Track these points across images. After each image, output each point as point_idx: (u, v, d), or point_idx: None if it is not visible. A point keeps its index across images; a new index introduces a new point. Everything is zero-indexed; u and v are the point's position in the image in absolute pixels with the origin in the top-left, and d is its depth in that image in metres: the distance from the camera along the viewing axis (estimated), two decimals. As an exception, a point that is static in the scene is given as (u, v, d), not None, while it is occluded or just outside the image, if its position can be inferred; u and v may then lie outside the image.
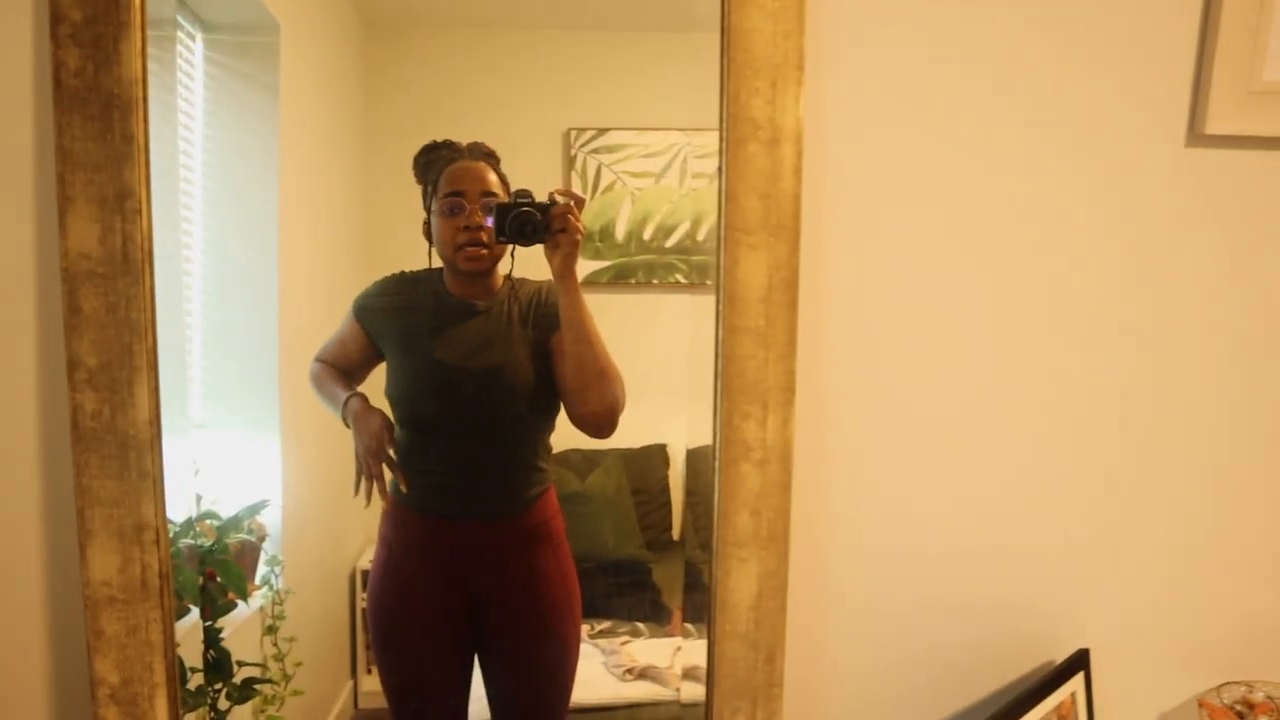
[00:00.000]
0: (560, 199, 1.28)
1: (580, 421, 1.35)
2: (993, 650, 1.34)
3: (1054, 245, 1.28)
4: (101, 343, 1.12)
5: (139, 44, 1.10)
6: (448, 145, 1.34)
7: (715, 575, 1.22)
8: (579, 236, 1.28)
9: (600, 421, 1.35)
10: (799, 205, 1.18)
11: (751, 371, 1.19)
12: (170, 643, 1.17)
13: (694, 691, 1.36)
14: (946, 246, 1.26)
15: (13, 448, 1.19)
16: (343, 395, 1.38)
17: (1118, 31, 1.24)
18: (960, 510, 1.31)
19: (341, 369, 1.40)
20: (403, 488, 1.37)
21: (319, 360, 1.41)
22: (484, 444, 1.37)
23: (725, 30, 1.16)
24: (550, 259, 1.29)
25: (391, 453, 1.37)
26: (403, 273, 1.37)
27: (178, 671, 1.20)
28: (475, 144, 1.35)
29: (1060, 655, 1.32)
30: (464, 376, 1.35)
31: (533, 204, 1.28)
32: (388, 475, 1.38)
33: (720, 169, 1.18)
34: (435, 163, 1.34)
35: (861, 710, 1.33)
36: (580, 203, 1.29)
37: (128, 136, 1.10)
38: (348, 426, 1.38)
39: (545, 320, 1.34)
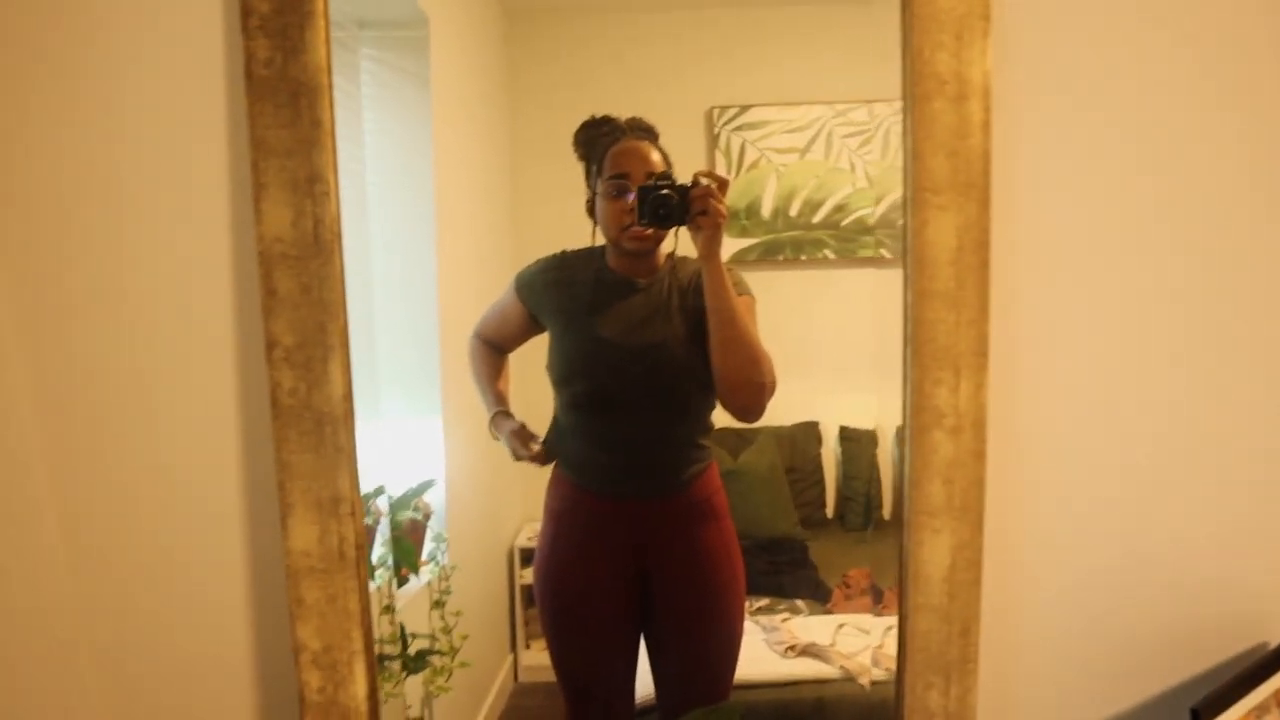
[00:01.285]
0: (703, 180, 1.26)
1: (727, 403, 1.34)
2: (1200, 630, 1.26)
3: (1255, 206, 1.19)
4: (296, 322, 1.16)
5: (323, 32, 1.13)
6: (607, 122, 1.34)
7: (906, 546, 1.19)
8: (720, 219, 1.26)
9: (746, 404, 1.33)
10: (988, 162, 1.12)
11: (942, 336, 1.15)
12: (366, 611, 1.21)
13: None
14: (1139, 202, 1.19)
15: (215, 424, 1.24)
16: (489, 406, 1.47)
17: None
18: (1164, 481, 1.24)
19: (496, 344, 1.44)
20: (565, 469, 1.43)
21: (477, 335, 1.45)
22: (646, 420, 1.38)
23: (907, -18, 1.11)
24: (694, 240, 1.29)
25: (535, 448, 1.43)
26: (565, 251, 1.39)
27: (373, 640, 1.24)
28: (634, 120, 1.35)
29: (1276, 637, 1.23)
30: (626, 353, 1.35)
31: (673, 186, 1.27)
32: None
33: (905, 128, 1.14)
34: (597, 141, 1.34)
35: (1061, 691, 1.27)
36: (724, 184, 1.27)
37: (316, 122, 1.13)
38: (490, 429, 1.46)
39: (704, 299, 1.33)
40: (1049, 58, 1.17)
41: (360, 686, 1.21)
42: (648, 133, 1.34)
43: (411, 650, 1.42)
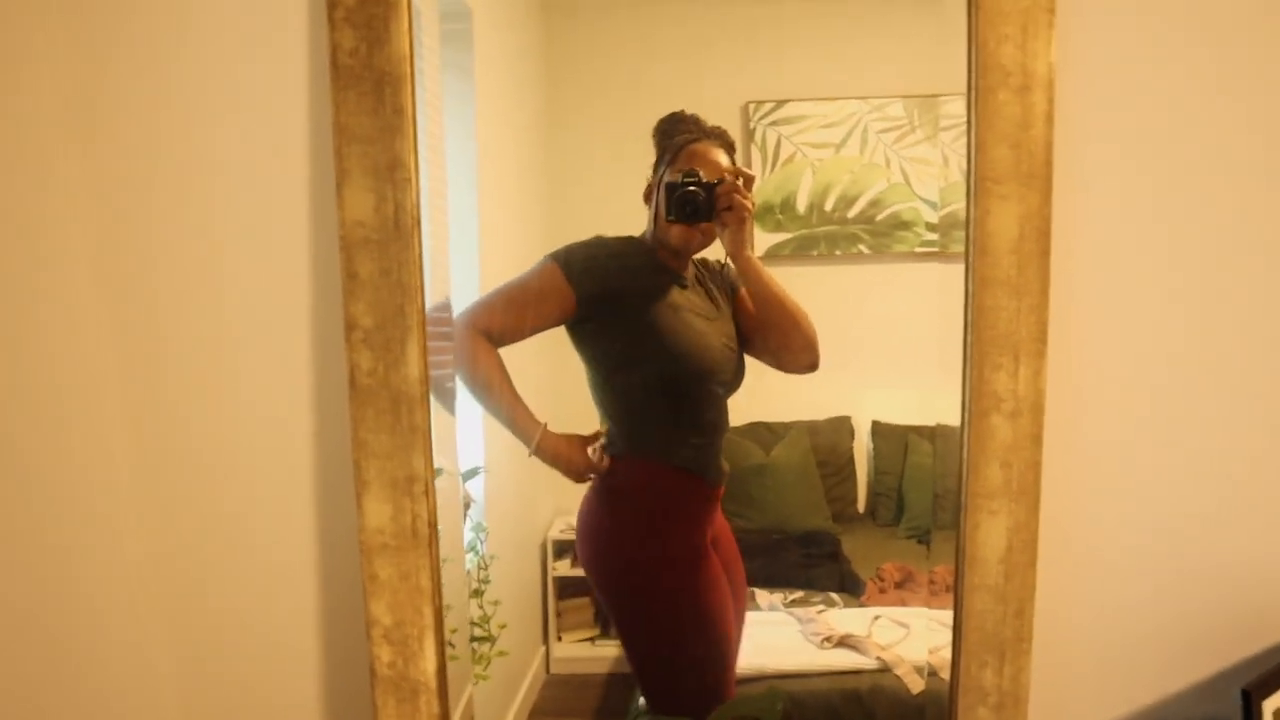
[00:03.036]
0: (727, 178, 1.30)
1: (791, 365, 1.39)
2: (1248, 616, 1.28)
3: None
4: (376, 305, 1.19)
5: (406, 22, 1.16)
6: (694, 121, 1.37)
7: (964, 528, 1.22)
8: (746, 214, 1.31)
9: (812, 361, 1.38)
10: (1050, 153, 1.15)
11: (1003, 323, 1.18)
12: (438, 589, 1.24)
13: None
14: (1198, 192, 1.22)
15: (292, 402, 1.28)
16: (532, 426, 1.38)
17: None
18: (1214, 466, 1.27)
19: (501, 337, 1.37)
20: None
21: (474, 329, 1.37)
22: (718, 404, 1.40)
23: (973, -24, 1.15)
24: (721, 238, 1.34)
25: (596, 450, 1.40)
26: (604, 236, 1.39)
27: (443, 616, 1.26)
28: (717, 128, 1.37)
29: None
30: (700, 336, 1.38)
31: (699, 183, 1.30)
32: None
33: (969, 119, 1.17)
34: (675, 133, 1.36)
35: (1113, 671, 1.30)
36: (749, 180, 1.32)
37: (399, 110, 1.16)
38: (534, 454, 1.39)
39: (732, 291, 1.39)
40: (1112, 50, 1.20)
41: (430, 662, 1.24)
42: (726, 143, 1.38)
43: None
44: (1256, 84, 1.20)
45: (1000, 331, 1.18)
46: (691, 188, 1.31)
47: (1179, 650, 1.29)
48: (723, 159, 1.35)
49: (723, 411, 1.41)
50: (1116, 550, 1.28)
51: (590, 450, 1.40)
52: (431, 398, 1.22)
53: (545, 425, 1.38)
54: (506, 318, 1.38)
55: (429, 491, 1.22)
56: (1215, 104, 1.20)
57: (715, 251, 1.38)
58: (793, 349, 1.37)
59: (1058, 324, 1.20)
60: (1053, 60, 1.14)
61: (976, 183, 1.16)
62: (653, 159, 1.37)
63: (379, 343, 1.19)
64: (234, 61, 1.23)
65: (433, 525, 1.23)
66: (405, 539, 1.22)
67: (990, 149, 1.16)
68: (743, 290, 1.39)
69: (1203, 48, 1.20)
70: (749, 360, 1.41)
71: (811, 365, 1.38)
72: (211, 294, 1.26)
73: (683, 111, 1.36)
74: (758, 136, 1.45)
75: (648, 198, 1.38)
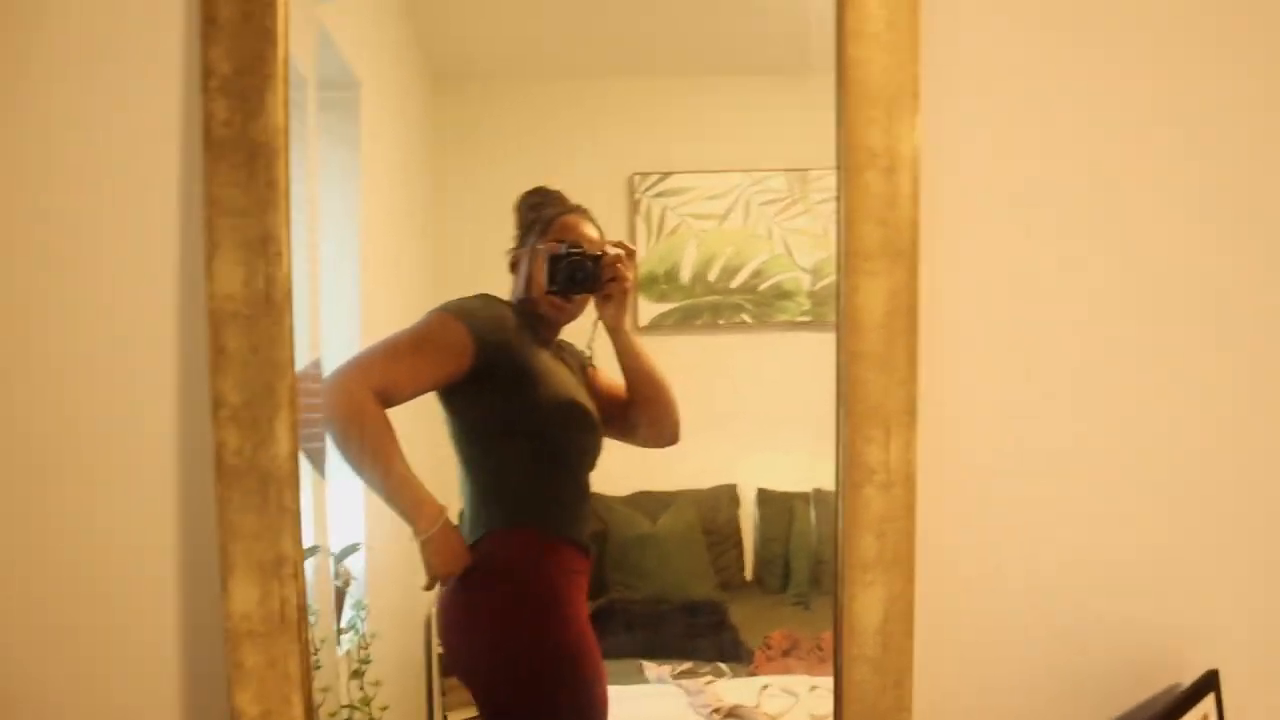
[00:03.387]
0: (611, 250, 1.31)
1: (653, 439, 1.39)
2: (1117, 673, 1.32)
3: (1171, 268, 1.29)
4: (244, 381, 1.16)
5: (282, 94, 1.15)
6: (559, 196, 1.36)
7: (841, 599, 1.23)
8: (630, 286, 1.32)
9: (673, 434, 1.38)
10: (917, 231, 1.20)
11: (873, 396, 1.21)
12: (308, 675, 1.19)
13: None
14: (1064, 270, 1.28)
15: (154, 482, 1.23)
16: (432, 508, 1.29)
17: (1231, 59, 1.27)
18: (1084, 530, 1.31)
19: (392, 398, 1.28)
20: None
21: (367, 390, 1.27)
22: (586, 471, 1.39)
23: (841, 63, 1.19)
24: (602, 310, 1.34)
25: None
26: (489, 294, 1.37)
27: (313, 704, 1.22)
28: (580, 205, 1.38)
29: (1189, 677, 1.30)
30: (585, 405, 1.38)
31: (584, 254, 1.31)
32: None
33: (839, 197, 1.21)
34: (543, 206, 1.37)
35: (990, 736, 1.32)
36: (631, 254, 1.33)
37: (271, 183, 1.15)
38: (417, 538, 1.30)
39: (580, 365, 1.38)
40: (973, 133, 1.26)
41: (299, 753, 1.19)
42: (591, 218, 1.39)
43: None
44: (1109, 163, 1.27)
45: (871, 405, 1.21)
46: (577, 258, 1.31)
47: (1055, 710, 1.32)
48: (594, 232, 1.36)
49: (587, 479, 1.40)
50: (990, 616, 1.31)
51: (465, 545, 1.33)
52: (306, 470, 1.18)
53: (446, 510, 1.30)
54: (398, 374, 1.30)
55: (298, 574, 1.18)
56: (1072, 186, 1.27)
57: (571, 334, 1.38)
58: (660, 423, 1.38)
59: (927, 396, 1.23)
60: (917, 142, 1.19)
61: (846, 259, 1.20)
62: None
63: (247, 420, 1.16)
64: (104, 126, 1.20)
65: (303, 609, 1.18)
66: (273, 624, 1.18)
67: (858, 226, 1.19)
68: (592, 368, 1.39)
69: (1056, 131, 1.27)
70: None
71: (674, 439, 1.39)
72: (75, 364, 1.22)
73: (546, 186, 1.37)
74: (643, 208, 1.46)
75: (514, 268, 1.37)
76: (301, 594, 1.18)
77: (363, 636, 1.42)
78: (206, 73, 1.14)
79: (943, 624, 1.29)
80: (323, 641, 1.22)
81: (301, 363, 1.19)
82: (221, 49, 1.15)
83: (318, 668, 1.30)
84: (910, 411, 1.21)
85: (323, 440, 1.28)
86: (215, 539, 1.17)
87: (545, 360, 1.37)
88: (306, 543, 1.24)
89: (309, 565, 1.21)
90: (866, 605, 1.23)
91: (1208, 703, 1.27)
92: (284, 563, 1.17)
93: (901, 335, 1.20)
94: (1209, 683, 1.28)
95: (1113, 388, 1.30)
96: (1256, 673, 1.33)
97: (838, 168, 1.20)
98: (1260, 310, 1.31)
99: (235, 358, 1.16)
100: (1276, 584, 1.34)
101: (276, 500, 1.17)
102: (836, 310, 1.22)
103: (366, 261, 1.43)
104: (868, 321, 1.20)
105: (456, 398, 1.33)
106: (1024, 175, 1.27)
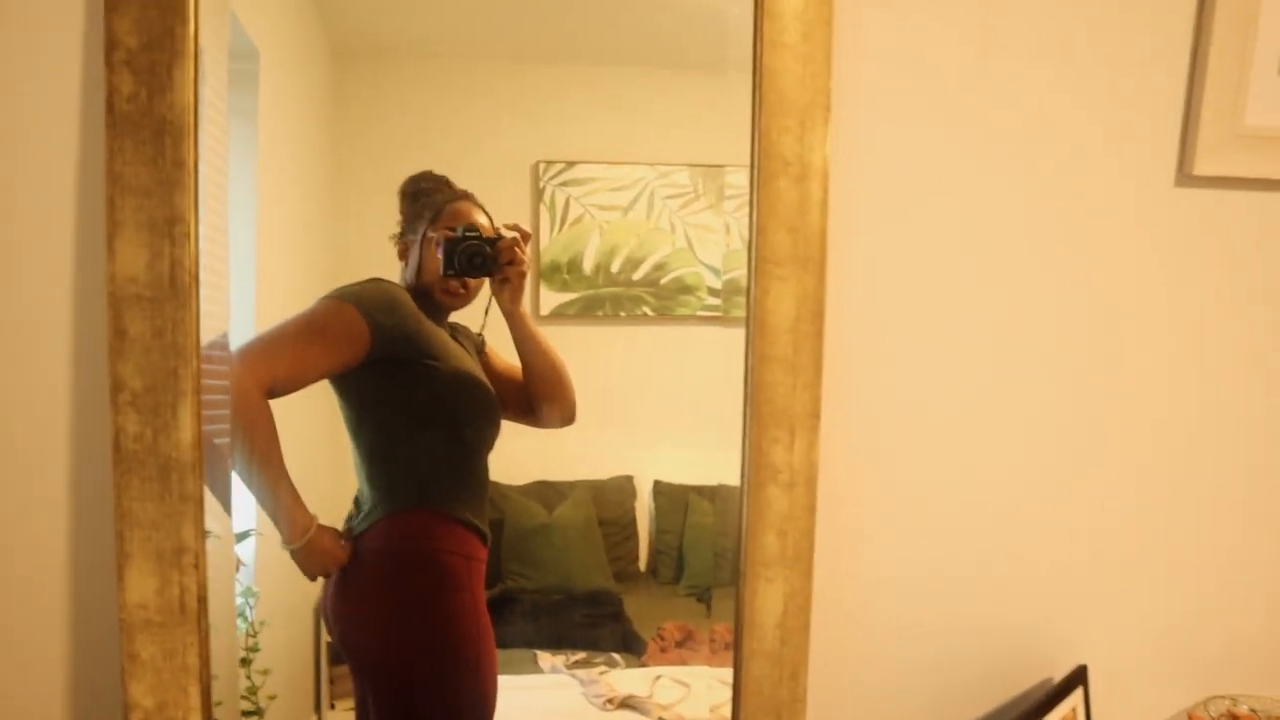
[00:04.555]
0: (507, 233, 1.32)
1: (550, 418, 1.39)
2: (997, 667, 1.40)
3: (1057, 280, 1.36)
4: (147, 366, 1.13)
5: (192, 71, 1.12)
6: (445, 181, 1.35)
7: (742, 594, 1.26)
8: (525, 269, 1.32)
9: (571, 413, 1.39)
10: (825, 239, 1.23)
11: (780, 398, 1.24)
12: (206, 667, 1.17)
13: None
14: (956, 279, 1.34)
15: (46, 468, 1.19)
16: (303, 518, 1.28)
17: (1113, 78, 1.33)
18: (966, 531, 1.38)
19: (279, 390, 1.26)
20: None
21: (265, 390, 1.25)
22: (484, 450, 1.39)
23: (757, 71, 1.21)
24: (498, 293, 1.33)
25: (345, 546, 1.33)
26: (381, 279, 1.35)
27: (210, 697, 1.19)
28: (466, 190, 1.37)
29: (1060, 672, 1.38)
30: (484, 385, 1.37)
31: (480, 238, 1.31)
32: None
33: (751, 202, 1.23)
34: (427, 194, 1.35)
35: (879, 725, 1.37)
36: (526, 236, 1.33)
37: (179, 162, 1.11)
38: (285, 547, 1.30)
39: (476, 347, 1.38)
40: (882, 144, 1.30)
41: (195, 746, 1.17)
42: (479, 204, 1.38)
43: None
44: (1004, 175, 1.33)
45: (778, 407, 1.24)
46: (474, 240, 1.30)
47: (938, 703, 1.39)
48: (483, 219, 1.35)
49: (485, 458, 1.39)
50: (881, 612, 1.37)
51: (340, 544, 1.33)
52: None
53: (317, 520, 1.29)
54: (291, 363, 1.28)
55: (199, 563, 1.16)
56: (976, 195, 1.33)
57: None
58: (557, 401, 1.38)
59: (831, 399, 1.27)
60: (828, 152, 1.22)
61: (757, 264, 1.22)
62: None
63: (148, 406, 1.13)
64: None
65: (202, 599, 1.16)
66: (172, 614, 1.15)
67: (770, 233, 1.22)
68: (488, 351, 1.39)
69: (957, 143, 1.32)
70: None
71: (569, 420, 1.39)
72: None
73: (431, 171, 1.35)
74: (547, 196, 1.45)
75: (403, 255, 1.36)
76: (202, 584, 1.16)
77: (251, 624, 1.40)
78: (111, 45, 1.09)
79: (836, 619, 1.34)
80: (212, 629, 1.20)
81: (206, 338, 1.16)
82: (129, 20, 1.10)
83: (256, 650, 1.30)
84: (815, 414, 1.25)
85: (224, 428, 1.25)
86: (111, 527, 1.14)
87: (444, 341, 1.35)
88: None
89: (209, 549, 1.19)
90: (767, 600, 1.26)
91: (1076, 695, 1.36)
92: (184, 551, 1.15)
93: (809, 339, 1.24)
94: (1078, 677, 1.36)
95: (993, 395, 1.36)
96: (1122, 667, 1.42)
97: (751, 174, 1.23)
98: (1145, 315, 1.39)
99: (137, 342, 1.12)
100: (1138, 588, 1.43)
101: (179, 488, 1.14)
102: (746, 313, 1.24)
103: (263, 241, 1.39)
104: (778, 325, 1.23)
105: (352, 383, 1.31)
106: (930, 184, 1.31)
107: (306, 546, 1.30)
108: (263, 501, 1.28)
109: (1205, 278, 1.38)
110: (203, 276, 1.15)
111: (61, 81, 1.15)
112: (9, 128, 1.15)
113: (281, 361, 1.28)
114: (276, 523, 1.28)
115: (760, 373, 1.23)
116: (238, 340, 1.27)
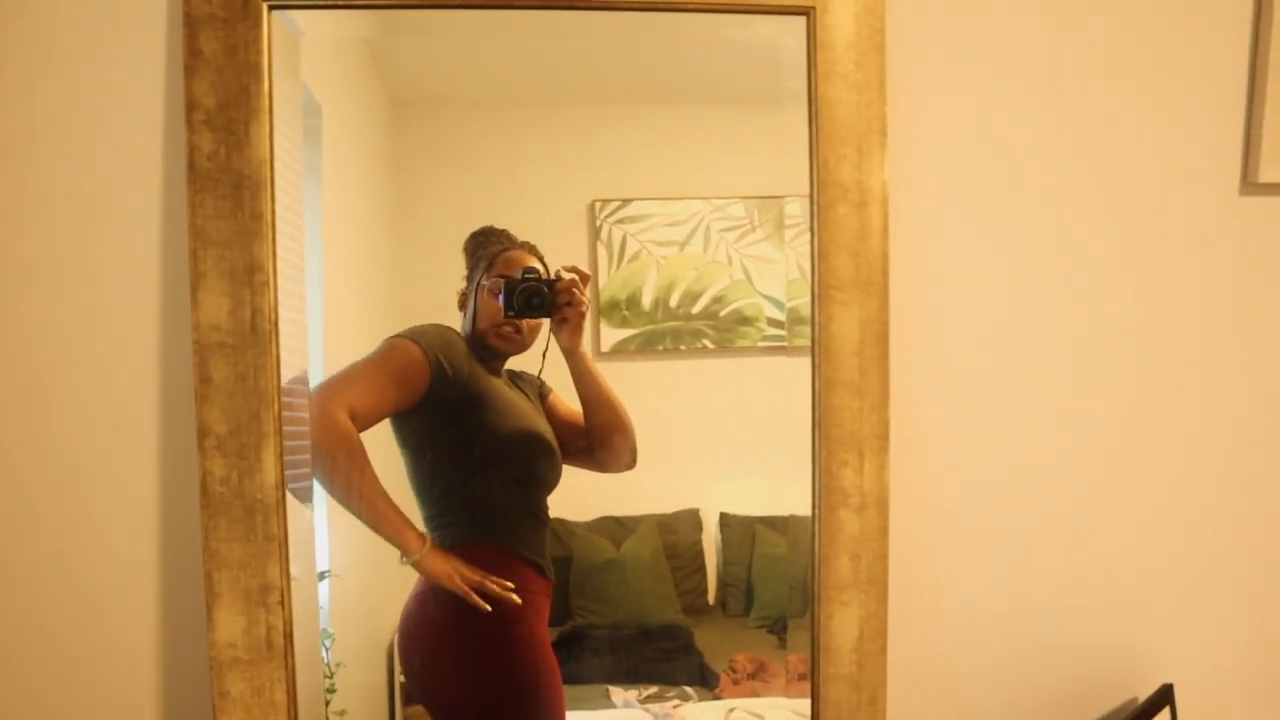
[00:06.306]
0: (565, 275, 1.34)
1: (612, 465, 1.40)
2: (1080, 687, 1.38)
3: (1125, 294, 1.35)
4: (230, 410, 1.17)
5: (267, 127, 1.17)
6: (502, 233, 1.38)
7: (818, 619, 1.26)
8: (584, 309, 1.34)
9: (632, 457, 1.40)
10: (887, 262, 1.24)
11: (848, 421, 1.25)
12: (293, 703, 1.20)
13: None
14: (1020, 296, 1.33)
15: (138, 513, 1.23)
16: (412, 528, 1.33)
17: (1175, 89, 1.33)
18: (1044, 549, 1.36)
19: (368, 422, 1.31)
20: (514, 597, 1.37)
21: (349, 413, 1.30)
22: (546, 495, 1.41)
23: (813, 101, 1.24)
24: (558, 334, 1.35)
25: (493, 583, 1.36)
26: (442, 324, 1.38)
27: (298, 731, 1.22)
28: (528, 242, 1.40)
29: (1146, 691, 1.36)
30: (541, 428, 1.39)
31: (539, 279, 1.33)
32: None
33: (812, 229, 1.25)
34: (488, 245, 1.39)
35: (959, 749, 1.36)
36: (585, 278, 1.35)
37: (257, 214, 1.16)
38: (408, 560, 1.34)
39: (538, 393, 1.40)
40: (941, 167, 1.30)
41: (284, 780, 1.19)
42: (537, 254, 1.41)
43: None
44: (1066, 190, 1.33)
45: (846, 430, 1.25)
46: (533, 282, 1.32)
47: (1019, 723, 1.37)
48: (538, 265, 1.38)
49: (546, 507, 1.41)
50: (958, 634, 1.36)
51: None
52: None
53: (429, 540, 1.33)
54: (367, 398, 1.31)
55: (285, 601, 1.19)
56: (1036, 217, 1.33)
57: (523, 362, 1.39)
58: (617, 448, 1.39)
59: (898, 421, 1.27)
60: (886, 177, 1.23)
61: (820, 290, 1.24)
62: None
63: (233, 449, 1.17)
64: (87, 158, 1.20)
65: (289, 636, 1.19)
66: (259, 652, 1.18)
67: (832, 258, 1.24)
68: (551, 398, 1.41)
69: (1017, 161, 1.32)
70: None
71: (631, 464, 1.41)
72: (59, 394, 1.22)
73: (493, 226, 1.38)
74: (604, 234, 1.47)
75: (462, 305, 1.39)
76: (288, 621, 1.19)
77: (328, 665, 1.42)
78: (190, 106, 1.15)
79: (913, 642, 1.33)
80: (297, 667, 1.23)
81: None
82: (206, 82, 1.16)
83: (332, 691, 1.32)
84: (883, 436, 1.25)
85: (308, 467, 1.29)
86: (200, 567, 1.17)
87: (499, 388, 1.38)
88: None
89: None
90: (842, 625, 1.26)
91: (1163, 716, 1.33)
92: (270, 590, 1.18)
93: (874, 362, 1.25)
94: (1164, 696, 1.34)
95: (1069, 411, 1.36)
96: (1208, 686, 1.39)
97: (810, 201, 1.24)
98: (1233, 333, 1.37)
99: (221, 387, 1.16)
100: (1225, 606, 1.40)
101: (263, 529, 1.18)
102: (811, 339, 1.25)
103: (330, 288, 1.43)
104: (842, 349, 1.24)
105: (411, 423, 1.35)
106: (990, 204, 1.32)
107: (430, 553, 1.32)
108: (372, 521, 1.31)
109: (1273, 285, 1.36)
110: (281, 326, 1.19)
111: (145, 141, 1.21)
112: (98, 187, 1.21)
113: (359, 394, 1.31)
114: (391, 538, 1.31)
115: (827, 397, 1.24)
116: (314, 381, 1.31)
